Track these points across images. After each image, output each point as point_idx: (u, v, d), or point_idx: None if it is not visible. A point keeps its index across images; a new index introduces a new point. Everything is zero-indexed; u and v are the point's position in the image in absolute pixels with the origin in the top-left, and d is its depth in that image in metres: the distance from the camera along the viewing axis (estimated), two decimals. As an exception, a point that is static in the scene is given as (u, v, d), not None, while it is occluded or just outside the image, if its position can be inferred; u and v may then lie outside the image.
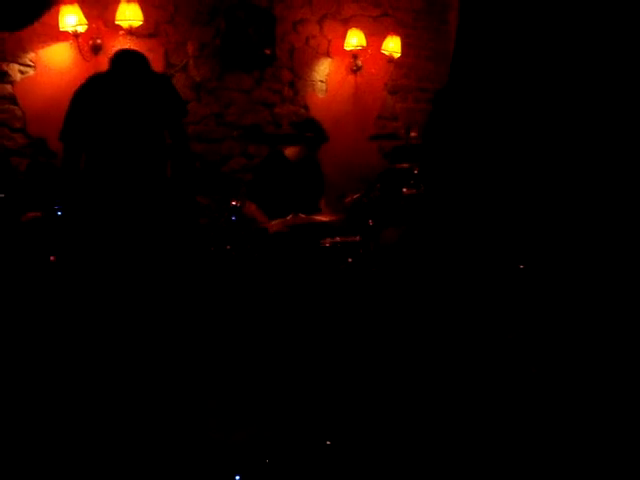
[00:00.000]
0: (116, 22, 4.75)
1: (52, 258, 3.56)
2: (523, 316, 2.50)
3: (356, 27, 5.77)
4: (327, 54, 5.81)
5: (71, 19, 4.63)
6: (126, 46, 4.46)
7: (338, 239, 4.29)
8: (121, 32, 4.80)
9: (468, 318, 2.58)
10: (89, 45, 4.76)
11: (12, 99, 4.63)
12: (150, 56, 3.78)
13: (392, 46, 5.87)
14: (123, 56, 3.61)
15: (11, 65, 4.60)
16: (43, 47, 4.67)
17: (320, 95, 5.81)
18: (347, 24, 5.82)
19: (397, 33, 5.93)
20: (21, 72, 4.64)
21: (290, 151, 4.59)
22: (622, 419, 2.22)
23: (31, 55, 4.64)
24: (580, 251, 2.28)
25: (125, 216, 3.33)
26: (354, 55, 5.83)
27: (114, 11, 4.74)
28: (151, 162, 3.49)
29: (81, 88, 3.51)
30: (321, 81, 5.81)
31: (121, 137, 3.43)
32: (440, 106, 2.77)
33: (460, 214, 2.54)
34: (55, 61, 4.72)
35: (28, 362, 3.12)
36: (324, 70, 5.81)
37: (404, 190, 4.25)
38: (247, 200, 4.42)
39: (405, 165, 4.40)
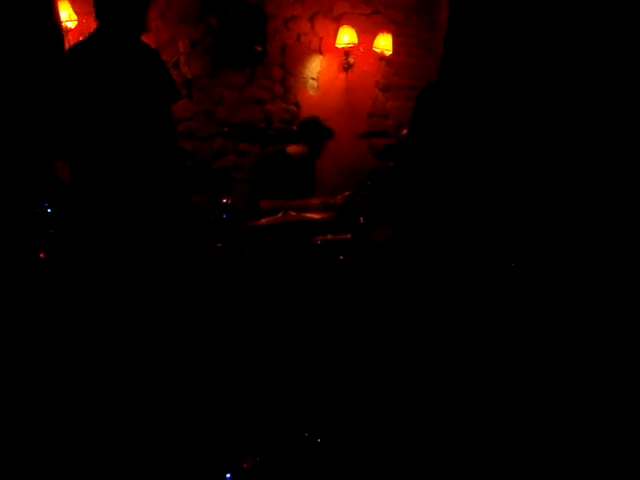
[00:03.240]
0: (106, 18, 4.72)
1: (41, 255, 3.54)
2: (515, 312, 2.51)
3: (347, 24, 5.76)
4: (319, 51, 5.80)
5: (61, 15, 4.61)
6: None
7: (329, 237, 4.30)
8: (111, 28, 4.77)
9: (461, 314, 2.58)
10: (79, 41, 4.73)
11: (1, 95, 4.59)
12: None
13: (383, 44, 5.87)
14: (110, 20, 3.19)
15: (0, 61, 4.56)
16: (33, 43, 4.64)
17: (312, 92, 5.81)
18: (339, 21, 5.82)
19: (388, 31, 5.92)
20: (10, 68, 4.60)
21: (293, 149, 4.64)
22: (616, 416, 2.23)
23: (20, 51, 4.61)
24: (570, 248, 2.29)
25: (118, 213, 3.24)
26: (346, 53, 5.82)
27: (104, 7, 4.71)
28: (143, 154, 3.23)
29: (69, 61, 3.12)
30: (312, 78, 5.80)
31: (111, 123, 3.13)
32: (427, 103, 2.77)
33: (450, 212, 2.55)
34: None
35: (20, 360, 3.10)
36: (315, 67, 5.80)
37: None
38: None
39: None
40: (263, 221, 4.14)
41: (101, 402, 2.85)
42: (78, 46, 3.29)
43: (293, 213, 4.13)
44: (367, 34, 5.89)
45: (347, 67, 5.89)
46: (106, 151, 3.14)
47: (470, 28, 2.57)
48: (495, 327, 2.51)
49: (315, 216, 4.27)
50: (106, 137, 3.13)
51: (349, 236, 4.27)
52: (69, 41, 4.69)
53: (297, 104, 5.73)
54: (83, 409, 2.80)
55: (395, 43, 5.95)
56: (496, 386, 2.53)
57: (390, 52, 5.93)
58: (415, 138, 2.87)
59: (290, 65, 5.68)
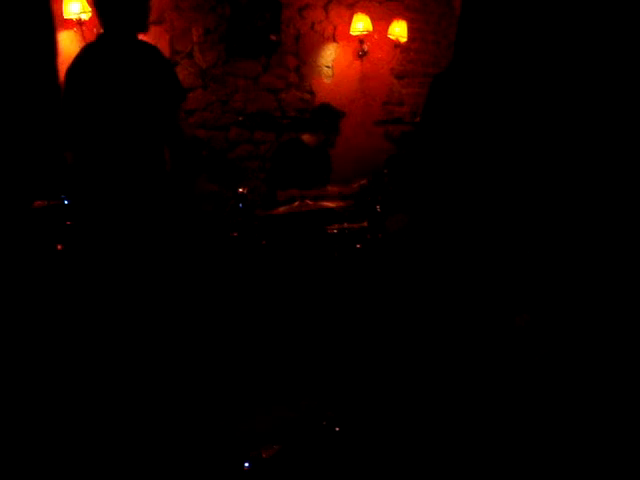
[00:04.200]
0: (120, 9, 4.72)
1: (59, 247, 3.56)
2: (537, 298, 2.48)
3: (362, 12, 5.73)
4: (333, 39, 5.77)
5: (75, 7, 4.62)
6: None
7: (345, 225, 4.29)
8: (125, 19, 4.76)
9: (474, 304, 2.56)
10: (93, 33, 4.72)
11: (17, 88, 4.60)
12: (155, 44, 3.73)
13: (398, 31, 5.83)
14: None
15: (16, 54, 4.57)
16: (47, 35, 4.64)
17: (326, 80, 5.78)
18: (353, 9, 5.78)
19: (403, 17, 5.88)
20: (26, 60, 4.61)
21: (308, 137, 4.65)
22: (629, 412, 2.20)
23: (36, 43, 4.62)
24: (582, 242, 2.26)
25: (125, 209, 3.20)
26: (360, 40, 5.79)
27: (118, -2, 4.71)
28: (149, 153, 3.23)
29: (76, 64, 3.22)
30: (327, 66, 5.78)
31: (119, 124, 3.15)
32: (440, 90, 2.74)
33: (460, 203, 2.53)
34: (59, 49, 4.69)
35: (30, 354, 3.12)
36: (330, 55, 5.78)
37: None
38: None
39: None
40: (279, 210, 4.13)
41: (110, 396, 2.86)
42: (85, 50, 3.31)
43: (309, 202, 4.12)
44: (382, 21, 5.85)
45: (362, 55, 5.86)
46: (108, 146, 3.15)
47: (483, 16, 2.54)
48: (514, 314, 2.49)
49: (331, 205, 4.25)
50: (109, 135, 3.14)
51: (366, 224, 4.25)
52: (83, 32, 4.71)
53: (312, 92, 5.72)
54: (93, 402, 2.82)
55: (410, 30, 5.90)
56: (515, 376, 2.51)
57: (405, 39, 5.89)
58: (428, 125, 2.84)
59: (304, 53, 5.66)
